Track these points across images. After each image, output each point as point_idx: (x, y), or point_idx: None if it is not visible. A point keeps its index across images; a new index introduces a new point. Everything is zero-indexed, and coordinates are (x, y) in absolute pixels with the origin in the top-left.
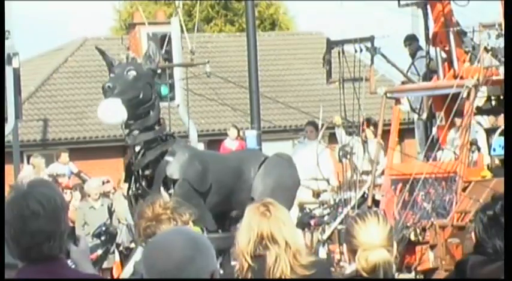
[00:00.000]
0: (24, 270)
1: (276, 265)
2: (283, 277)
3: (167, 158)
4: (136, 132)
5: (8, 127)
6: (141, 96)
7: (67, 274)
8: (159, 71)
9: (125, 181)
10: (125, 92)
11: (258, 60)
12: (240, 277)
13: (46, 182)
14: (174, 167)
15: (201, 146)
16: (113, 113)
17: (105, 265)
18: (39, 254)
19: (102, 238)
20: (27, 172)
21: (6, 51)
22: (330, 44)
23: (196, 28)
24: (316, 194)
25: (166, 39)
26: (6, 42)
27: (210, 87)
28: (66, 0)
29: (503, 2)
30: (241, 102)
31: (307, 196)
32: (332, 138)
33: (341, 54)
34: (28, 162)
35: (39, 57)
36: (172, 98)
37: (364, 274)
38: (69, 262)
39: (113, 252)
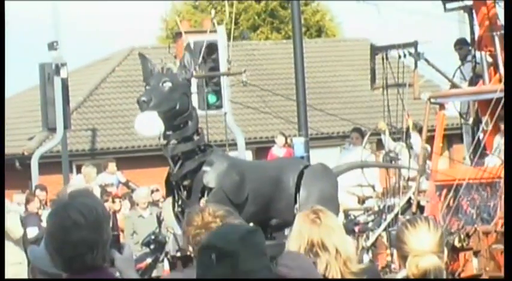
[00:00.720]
0: None
1: (327, 272)
2: None
3: (205, 168)
4: (174, 142)
5: (57, 137)
6: (177, 107)
7: None
8: (195, 80)
9: (167, 195)
10: (160, 104)
11: (305, 67)
12: None
13: (87, 192)
14: (211, 176)
15: (248, 154)
16: (149, 127)
17: (154, 273)
18: (82, 265)
19: (151, 246)
20: (77, 182)
21: (54, 62)
22: (374, 50)
23: (242, 36)
24: (362, 201)
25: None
26: (55, 53)
27: (257, 95)
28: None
29: None
30: (288, 110)
31: (353, 202)
32: (380, 145)
33: (385, 60)
34: (77, 172)
35: (87, 67)
36: (220, 106)
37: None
38: (113, 270)
39: (162, 261)
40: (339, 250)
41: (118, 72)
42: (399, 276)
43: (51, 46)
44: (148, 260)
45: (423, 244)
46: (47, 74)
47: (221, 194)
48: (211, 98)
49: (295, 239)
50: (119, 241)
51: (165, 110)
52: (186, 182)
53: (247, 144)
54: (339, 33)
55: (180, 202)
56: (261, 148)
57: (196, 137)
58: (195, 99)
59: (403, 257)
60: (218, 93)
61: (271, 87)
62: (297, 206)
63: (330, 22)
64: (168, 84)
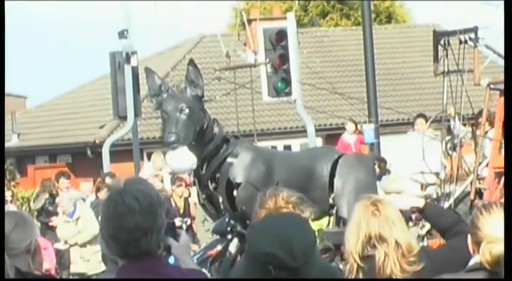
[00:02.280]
0: (124, 268)
1: (385, 264)
2: (393, 277)
3: (229, 159)
4: (196, 149)
5: (128, 125)
6: (198, 128)
7: (168, 271)
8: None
9: (194, 184)
10: (187, 136)
11: (375, 53)
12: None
13: (141, 180)
14: (236, 170)
15: (319, 141)
16: (184, 163)
17: None
18: (137, 250)
19: (222, 233)
20: (148, 169)
21: (125, 50)
22: (436, 36)
23: (311, 23)
24: (424, 188)
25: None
26: (125, 42)
27: (327, 81)
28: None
29: None
30: (358, 96)
31: (416, 189)
32: (450, 131)
33: (446, 45)
34: (148, 159)
35: (157, 55)
36: (289, 93)
37: (487, 266)
38: (170, 257)
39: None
40: (399, 241)
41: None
42: (472, 262)
43: (122, 34)
44: (219, 247)
45: (497, 230)
46: (117, 62)
47: (249, 187)
48: (281, 85)
49: (354, 231)
50: (175, 228)
51: (192, 138)
52: (214, 175)
53: (317, 131)
54: (409, 19)
55: (207, 193)
56: (331, 135)
57: (215, 134)
58: (264, 86)
59: (477, 243)
60: (287, 80)
61: (341, 74)
62: (332, 195)
63: (400, 8)
64: (186, 111)
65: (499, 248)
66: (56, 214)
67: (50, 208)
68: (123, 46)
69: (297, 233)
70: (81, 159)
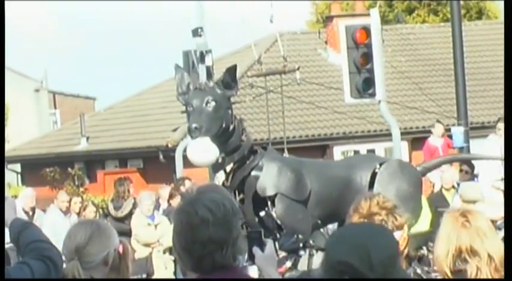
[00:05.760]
0: None
1: (478, 278)
2: None
3: (254, 173)
4: (220, 159)
5: None
6: (224, 125)
7: None
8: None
9: None
10: (211, 127)
11: (464, 51)
12: None
13: (215, 187)
14: (264, 183)
15: (404, 145)
16: (206, 154)
17: None
18: (212, 264)
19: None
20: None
21: (199, 49)
22: None
23: (397, 19)
24: None
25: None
26: (199, 40)
27: (413, 81)
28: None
29: None
30: (446, 97)
31: (498, 197)
32: None
33: None
34: None
35: (232, 54)
36: (373, 94)
37: None
38: (253, 267)
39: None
40: (492, 254)
41: (265, 60)
42: None
43: (196, 32)
44: (288, 263)
45: None
46: (191, 61)
47: (284, 199)
48: (364, 86)
49: (444, 244)
50: (261, 237)
51: (216, 131)
52: (240, 189)
53: (403, 134)
54: (501, 15)
55: None
56: (417, 138)
57: (241, 146)
58: (347, 87)
59: None
60: (371, 80)
61: (428, 73)
62: None
63: (491, 3)
64: (212, 104)
65: None
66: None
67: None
68: (197, 45)
69: (377, 243)
70: (153, 164)
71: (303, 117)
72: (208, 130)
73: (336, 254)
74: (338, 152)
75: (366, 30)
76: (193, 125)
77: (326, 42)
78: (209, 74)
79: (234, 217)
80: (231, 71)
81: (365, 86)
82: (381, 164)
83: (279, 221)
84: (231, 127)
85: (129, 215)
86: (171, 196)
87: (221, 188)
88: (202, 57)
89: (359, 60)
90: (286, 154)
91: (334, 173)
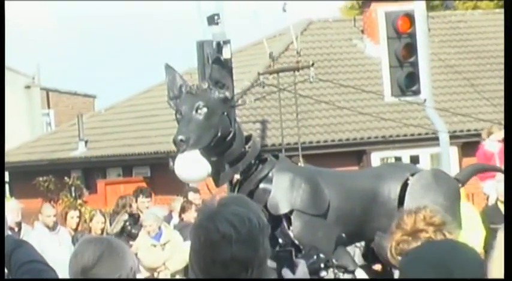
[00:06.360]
0: None
1: None
2: None
3: (263, 185)
4: (223, 170)
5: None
6: (219, 134)
7: None
8: (239, 101)
9: None
10: (200, 138)
11: None
12: None
13: (239, 198)
14: (275, 199)
15: (453, 151)
16: (195, 171)
17: None
18: None
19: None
20: None
21: (215, 39)
22: None
23: (445, 5)
24: None
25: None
26: (215, 29)
27: (463, 77)
28: None
29: None
30: (502, 95)
31: None
32: None
33: None
34: None
35: (253, 45)
36: (417, 92)
37: None
38: None
39: None
40: None
41: (292, 51)
42: None
43: (212, 20)
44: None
45: None
46: (206, 53)
47: (300, 215)
48: (407, 82)
49: (499, 263)
50: (292, 257)
51: (207, 142)
52: None
53: (451, 138)
54: None
55: None
56: (468, 143)
57: (246, 153)
58: (387, 83)
59: None
60: (415, 75)
61: (481, 67)
62: None
63: None
64: (203, 111)
65: None
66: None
67: (134, 231)
68: (213, 34)
69: (459, 262)
70: (162, 172)
71: (336, 118)
72: (197, 142)
73: (414, 274)
74: (376, 158)
75: (409, 17)
76: (179, 137)
77: (363, 32)
78: (227, 69)
79: (260, 234)
80: (217, 63)
81: (408, 83)
82: (412, 175)
83: (296, 241)
84: (231, 134)
85: (122, 232)
86: (183, 210)
87: (246, 200)
88: (219, 49)
89: (401, 52)
90: (301, 163)
91: (357, 185)
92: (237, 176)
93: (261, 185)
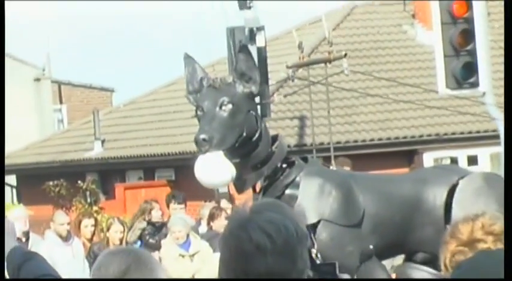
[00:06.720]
0: None
1: None
2: None
3: (289, 191)
4: (246, 174)
5: None
6: (244, 133)
7: None
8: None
9: None
10: (225, 138)
11: None
12: None
13: (275, 204)
14: (301, 208)
15: None
16: (218, 174)
17: None
18: None
19: None
20: None
21: (248, 25)
22: None
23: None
24: None
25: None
26: (248, 14)
27: None
28: None
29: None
30: None
31: None
32: None
33: None
34: None
35: (289, 33)
36: (475, 84)
37: None
38: None
39: None
40: None
41: (335, 39)
42: None
43: (244, 4)
44: None
45: None
46: (237, 41)
47: (329, 225)
48: (464, 73)
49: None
50: (335, 271)
51: (232, 142)
52: None
53: None
54: None
55: None
56: None
57: (272, 156)
58: (441, 75)
59: None
60: (473, 65)
61: None
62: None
63: None
64: (228, 107)
65: None
66: (159, 248)
67: (152, 241)
68: (246, 20)
69: None
70: (188, 175)
71: (384, 114)
72: (222, 142)
73: None
74: (430, 159)
75: (466, 0)
76: (201, 136)
77: (413, 16)
78: (261, 58)
79: (299, 244)
80: (244, 52)
81: (465, 73)
82: (461, 178)
83: (318, 254)
84: (256, 134)
85: (138, 240)
86: (212, 217)
87: (282, 206)
88: (252, 36)
89: (457, 39)
90: (333, 166)
91: (397, 190)
92: (259, 182)
93: (287, 191)
